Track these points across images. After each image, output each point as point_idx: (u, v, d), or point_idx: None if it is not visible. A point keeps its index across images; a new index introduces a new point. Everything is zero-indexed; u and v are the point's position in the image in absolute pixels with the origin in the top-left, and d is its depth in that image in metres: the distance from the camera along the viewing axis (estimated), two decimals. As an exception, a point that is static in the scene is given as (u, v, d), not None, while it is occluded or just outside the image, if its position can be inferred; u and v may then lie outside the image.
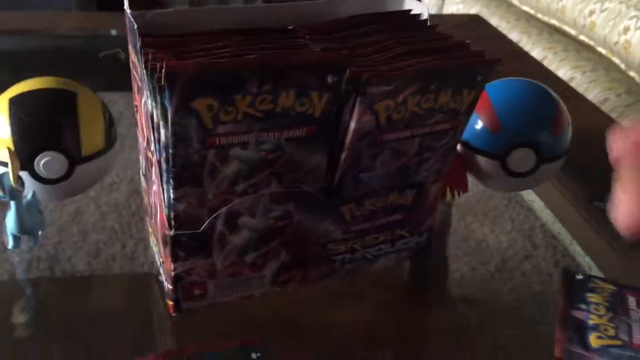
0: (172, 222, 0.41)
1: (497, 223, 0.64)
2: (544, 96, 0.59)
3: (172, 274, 0.43)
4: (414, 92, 0.40)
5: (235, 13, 0.45)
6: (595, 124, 0.80)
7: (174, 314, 0.45)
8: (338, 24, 0.45)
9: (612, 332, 0.44)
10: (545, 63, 1.54)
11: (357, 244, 0.48)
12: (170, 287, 0.44)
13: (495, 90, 0.59)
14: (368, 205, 0.46)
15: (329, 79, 0.38)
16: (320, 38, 0.43)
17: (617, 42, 1.44)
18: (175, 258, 0.42)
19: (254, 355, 0.40)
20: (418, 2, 0.48)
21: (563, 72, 1.47)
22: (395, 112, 0.41)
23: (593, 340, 0.43)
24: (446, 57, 0.42)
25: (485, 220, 0.64)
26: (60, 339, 0.46)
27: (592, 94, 1.35)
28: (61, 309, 0.50)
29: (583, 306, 0.46)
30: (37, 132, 0.51)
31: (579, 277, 0.50)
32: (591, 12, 1.53)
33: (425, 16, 0.47)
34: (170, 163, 0.38)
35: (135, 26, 0.40)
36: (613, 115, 1.31)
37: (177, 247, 0.42)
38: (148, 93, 0.38)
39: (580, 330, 0.44)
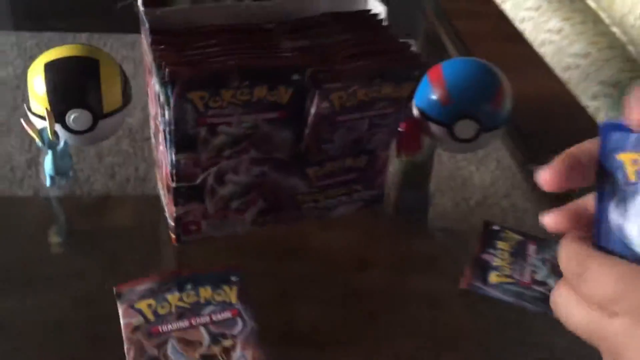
0: (174, 177, 0.54)
1: (483, 162, 0.74)
2: (488, 75, 0.70)
3: (174, 215, 0.56)
4: (361, 86, 0.52)
5: (227, 10, 0.56)
6: (551, 93, 0.90)
7: (175, 244, 0.59)
8: (309, 23, 0.56)
9: (508, 272, 0.58)
10: (539, 13, 1.61)
11: (321, 196, 0.61)
12: (173, 224, 0.57)
13: (449, 68, 0.70)
14: (329, 167, 0.59)
15: (294, 77, 0.50)
16: (294, 37, 0.54)
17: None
18: (176, 203, 0.56)
19: (233, 278, 0.54)
20: (379, 3, 0.59)
21: (553, 24, 1.54)
22: (347, 101, 0.53)
23: (492, 277, 0.57)
24: (389, 58, 0.53)
25: (473, 159, 0.75)
26: (82, 252, 0.60)
27: (577, 47, 1.43)
28: (82, 226, 0.63)
29: (492, 251, 0.60)
30: (68, 93, 0.63)
31: (495, 227, 0.63)
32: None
33: (383, 16, 0.58)
34: (172, 135, 0.51)
35: (147, 24, 0.51)
36: (592, 68, 1.40)
37: (178, 195, 0.55)
38: (156, 79, 0.50)
39: (484, 269, 0.58)
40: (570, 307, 0.30)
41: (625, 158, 0.29)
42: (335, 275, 0.60)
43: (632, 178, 0.29)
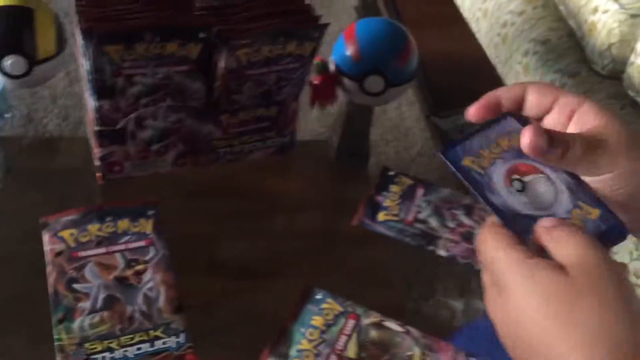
0: (97, 121, 0.60)
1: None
2: (396, 34, 0.76)
3: (98, 155, 0.63)
4: (265, 44, 0.59)
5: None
6: (463, 52, 0.97)
7: (100, 182, 0.66)
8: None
9: (396, 211, 0.66)
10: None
11: (235, 142, 0.68)
12: (98, 164, 0.64)
13: (362, 27, 0.76)
14: (241, 116, 0.66)
15: (201, 35, 0.56)
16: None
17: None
18: (100, 145, 0.62)
19: (150, 212, 0.61)
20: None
21: (515, 5, 1.57)
22: (253, 57, 0.59)
23: (380, 216, 0.65)
24: (292, 19, 0.59)
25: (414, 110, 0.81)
26: (18, 190, 0.66)
27: (513, 5, 1.49)
28: (23, 165, 0.70)
29: (385, 193, 0.68)
30: (3, 39, 0.68)
31: (391, 173, 0.71)
32: None
33: (293, -21, 0.64)
34: (93, 83, 0.57)
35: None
36: (526, 26, 1.47)
37: (101, 137, 0.61)
38: (78, 31, 0.56)
39: (374, 209, 0.66)
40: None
41: (467, 162, 0.42)
42: (264, 214, 0.68)
43: (480, 170, 0.42)
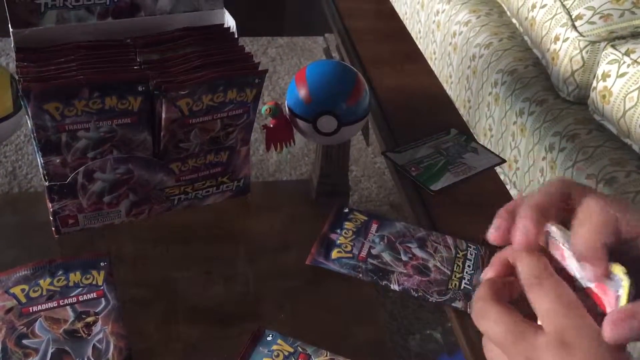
0: (45, 177, 0.61)
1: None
2: (345, 75, 0.78)
3: (51, 210, 0.64)
4: (206, 93, 0.60)
5: (90, 28, 0.63)
6: (421, 87, 0.99)
7: (56, 236, 0.66)
8: (164, 37, 0.64)
9: (349, 248, 0.66)
10: (450, 5, 1.70)
11: (189, 188, 0.69)
12: (51, 218, 0.65)
13: (311, 70, 0.78)
14: (191, 163, 0.67)
15: (140, 88, 0.57)
16: (147, 50, 0.62)
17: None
18: (51, 200, 0.63)
19: (102, 263, 0.61)
20: (231, 18, 0.67)
21: (462, 16, 1.64)
22: (194, 106, 0.61)
23: (334, 254, 0.66)
24: (230, 67, 0.61)
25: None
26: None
27: (480, 38, 1.53)
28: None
29: (338, 230, 0.69)
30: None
31: (345, 210, 0.71)
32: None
33: (233, 29, 0.66)
34: (36, 140, 0.58)
35: (13, 43, 0.58)
36: (493, 58, 1.50)
37: (52, 192, 0.63)
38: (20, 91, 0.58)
39: (328, 247, 0.67)
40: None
41: None
42: (226, 258, 0.69)
43: None
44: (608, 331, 0.35)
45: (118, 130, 0.60)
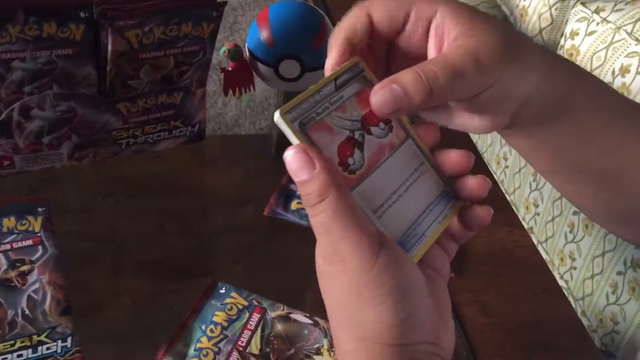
0: (-23, 113, 0.55)
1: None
2: (310, 17, 0.73)
3: (-17, 149, 0.58)
4: (158, 24, 0.55)
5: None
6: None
7: (-11, 178, 0.61)
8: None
9: (309, 201, 0.63)
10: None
11: (138, 132, 0.64)
12: (-16, 159, 0.59)
13: (274, 10, 0.73)
14: (141, 103, 0.61)
15: (82, 14, 0.51)
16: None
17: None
18: (-17, 138, 0.57)
19: (39, 209, 0.56)
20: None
21: None
22: (145, 38, 0.55)
23: (293, 204, 0.62)
24: (184, -2, 0.56)
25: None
26: None
27: None
28: None
29: (299, 182, 0.65)
30: None
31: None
32: None
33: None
34: (-34, 70, 0.52)
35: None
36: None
37: (-16, 130, 0.57)
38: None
39: (287, 198, 0.63)
40: None
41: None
42: (177, 210, 0.64)
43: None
44: (372, 101, 0.36)
45: (58, 62, 0.54)
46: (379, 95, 0.36)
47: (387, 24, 0.39)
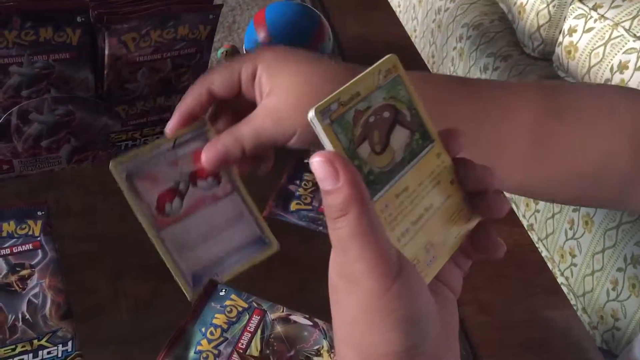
0: (-25, 118, 0.56)
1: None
2: (306, 17, 0.73)
3: (-18, 154, 0.58)
4: (154, 27, 0.55)
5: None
6: (386, 36, 0.94)
7: (-11, 183, 0.61)
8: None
9: (308, 200, 0.63)
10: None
11: (137, 134, 0.64)
12: (-17, 163, 0.59)
13: (271, 11, 0.73)
14: (140, 106, 0.62)
15: (78, 19, 0.52)
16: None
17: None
18: (-18, 143, 0.57)
19: (39, 213, 0.56)
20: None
21: None
22: (141, 42, 0.55)
23: (293, 205, 0.62)
24: (182, 0, 0.56)
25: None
26: None
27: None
28: None
29: (297, 182, 0.65)
30: None
31: (305, 161, 0.68)
32: None
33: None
34: (-36, 76, 0.52)
35: None
36: (459, 11, 1.46)
37: (-18, 135, 0.57)
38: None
39: (286, 199, 0.63)
40: None
41: None
42: None
43: None
44: (202, 157, 0.47)
45: (55, 66, 0.54)
46: (205, 152, 0.47)
47: (225, 90, 0.47)
